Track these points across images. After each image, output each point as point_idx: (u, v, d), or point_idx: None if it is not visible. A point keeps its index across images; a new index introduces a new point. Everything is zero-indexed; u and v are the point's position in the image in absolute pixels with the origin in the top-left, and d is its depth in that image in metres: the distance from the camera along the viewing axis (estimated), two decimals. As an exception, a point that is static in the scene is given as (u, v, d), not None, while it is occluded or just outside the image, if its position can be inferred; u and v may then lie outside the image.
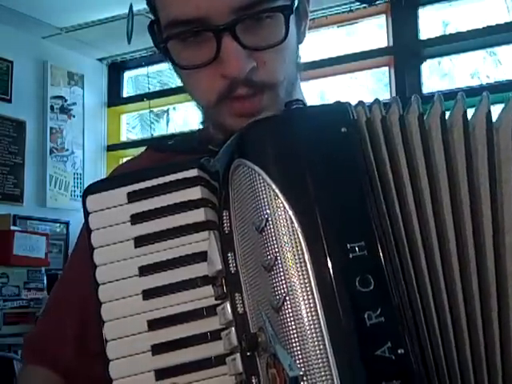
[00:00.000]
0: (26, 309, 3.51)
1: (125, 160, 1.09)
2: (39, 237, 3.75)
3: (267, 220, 0.58)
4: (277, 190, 0.59)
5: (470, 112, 0.65)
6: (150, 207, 0.68)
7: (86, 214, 0.69)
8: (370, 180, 0.60)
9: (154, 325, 0.65)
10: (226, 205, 0.65)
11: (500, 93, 3.52)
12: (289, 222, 0.58)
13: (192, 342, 0.65)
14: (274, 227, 0.58)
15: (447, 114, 0.64)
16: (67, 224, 4.53)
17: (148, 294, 0.66)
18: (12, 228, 3.74)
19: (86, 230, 0.69)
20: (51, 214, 4.46)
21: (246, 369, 0.61)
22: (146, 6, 0.81)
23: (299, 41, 0.83)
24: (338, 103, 0.64)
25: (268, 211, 0.59)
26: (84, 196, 0.69)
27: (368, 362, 0.54)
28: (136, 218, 0.68)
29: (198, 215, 0.66)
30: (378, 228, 0.58)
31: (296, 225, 0.57)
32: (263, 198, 0.59)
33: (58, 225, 4.53)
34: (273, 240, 0.58)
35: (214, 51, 0.74)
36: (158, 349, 0.65)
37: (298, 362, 0.55)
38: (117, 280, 0.67)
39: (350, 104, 0.64)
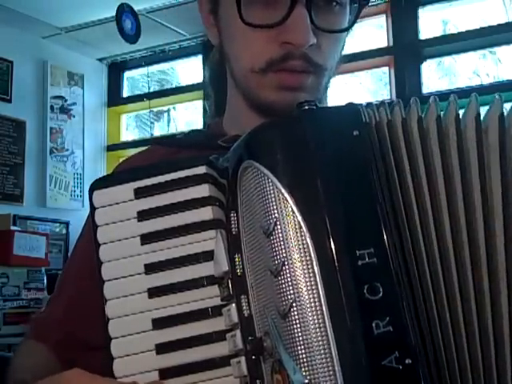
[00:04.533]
0: (26, 309, 3.50)
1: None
2: (39, 237, 3.74)
3: (275, 224, 0.57)
4: (286, 194, 0.58)
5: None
6: (157, 204, 0.67)
7: (93, 209, 0.68)
8: (382, 185, 0.59)
9: (159, 323, 0.65)
10: (234, 205, 0.64)
11: (500, 92, 3.52)
12: (297, 226, 0.57)
13: (197, 342, 0.64)
14: (282, 231, 0.57)
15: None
16: (67, 224, 4.54)
17: (153, 292, 0.65)
18: (12, 228, 3.73)
19: (92, 226, 0.68)
20: (51, 214, 4.46)
21: (251, 372, 0.61)
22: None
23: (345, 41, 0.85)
24: (350, 105, 0.63)
25: (276, 215, 0.58)
26: (90, 190, 0.68)
27: (374, 372, 0.53)
28: (143, 215, 0.67)
29: (206, 213, 0.65)
30: (388, 235, 0.57)
31: (305, 230, 0.56)
32: (272, 202, 0.58)
33: (58, 225, 4.53)
34: (281, 244, 0.57)
35: (283, 15, 0.74)
36: (162, 348, 0.64)
37: (303, 369, 0.54)
38: (122, 277, 0.66)
39: (362, 106, 0.62)
